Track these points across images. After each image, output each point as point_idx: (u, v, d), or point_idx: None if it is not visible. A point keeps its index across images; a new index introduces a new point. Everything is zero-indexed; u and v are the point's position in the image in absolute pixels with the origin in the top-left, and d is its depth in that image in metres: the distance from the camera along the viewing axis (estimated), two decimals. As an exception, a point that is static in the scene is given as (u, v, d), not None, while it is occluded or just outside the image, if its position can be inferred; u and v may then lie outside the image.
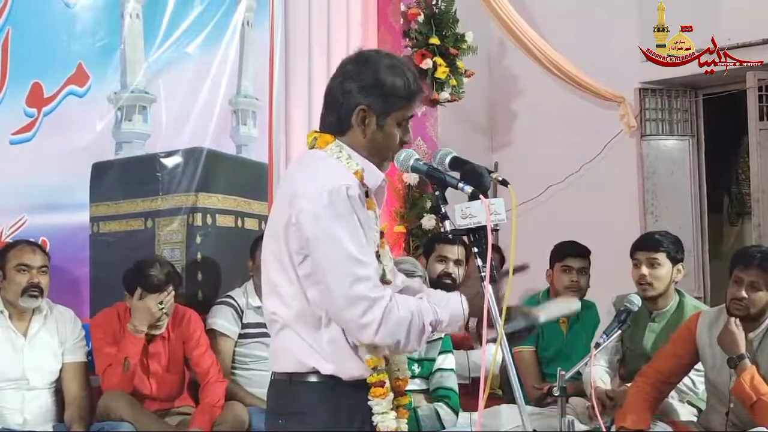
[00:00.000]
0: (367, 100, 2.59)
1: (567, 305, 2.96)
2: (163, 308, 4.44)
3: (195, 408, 4.58)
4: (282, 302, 2.60)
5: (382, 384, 2.61)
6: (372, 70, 2.61)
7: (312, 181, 2.54)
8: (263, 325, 4.84)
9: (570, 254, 5.04)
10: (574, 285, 5.03)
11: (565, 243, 5.15)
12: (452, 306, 2.55)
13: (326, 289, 2.49)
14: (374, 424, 2.61)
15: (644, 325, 4.64)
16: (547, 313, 2.69)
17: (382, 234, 2.72)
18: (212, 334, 4.78)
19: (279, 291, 2.60)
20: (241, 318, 4.86)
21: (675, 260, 4.60)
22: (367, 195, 2.58)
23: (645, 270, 4.56)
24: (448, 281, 4.70)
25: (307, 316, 2.56)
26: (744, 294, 4.05)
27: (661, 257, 4.58)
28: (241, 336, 4.85)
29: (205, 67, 5.24)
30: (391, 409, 2.64)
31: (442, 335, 4.58)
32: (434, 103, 6.18)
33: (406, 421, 2.71)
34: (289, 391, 2.61)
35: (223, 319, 4.84)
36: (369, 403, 2.61)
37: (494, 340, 2.48)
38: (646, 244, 4.64)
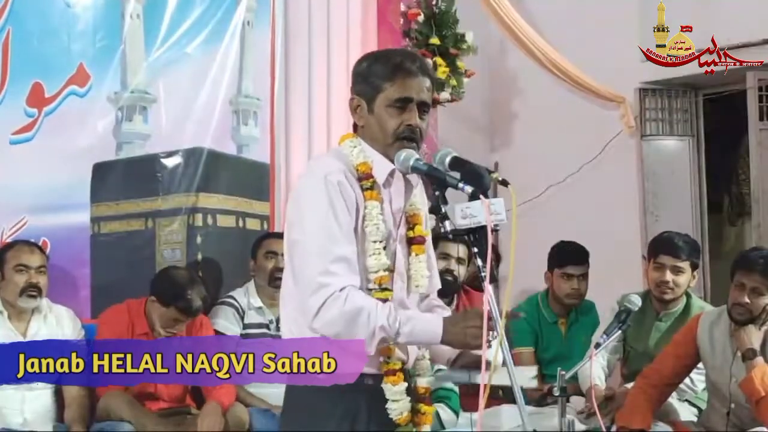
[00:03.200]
0: (355, 90, 2.73)
1: (523, 375, 2.71)
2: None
3: (196, 409, 4.59)
4: (286, 291, 2.72)
5: (393, 372, 2.65)
6: (361, 64, 2.76)
7: (304, 173, 2.77)
8: (265, 326, 4.86)
9: (570, 262, 4.99)
10: (575, 293, 5.01)
11: (565, 248, 5.08)
12: (423, 323, 2.56)
13: (295, 270, 2.63)
14: (387, 411, 2.65)
15: (650, 325, 4.65)
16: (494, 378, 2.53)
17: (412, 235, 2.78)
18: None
19: (285, 281, 2.73)
20: (242, 318, 4.87)
21: (695, 267, 4.62)
22: (372, 187, 2.65)
23: (669, 276, 4.55)
24: (449, 278, 4.69)
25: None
26: (746, 299, 4.05)
27: (686, 265, 4.58)
28: (242, 336, 4.85)
29: (206, 67, 5.25)
30: (406, 396, 2.66)
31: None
32: (434, 103, 6.17)
33: (429, 426, 2.75)
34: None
35: (224, 320, 4.84)
36: (384, 386, 2.65)
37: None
38: (673, 251, 4.58)
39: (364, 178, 2.64)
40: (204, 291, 4.60)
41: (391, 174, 2.68)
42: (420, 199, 2.81)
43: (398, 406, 2.65)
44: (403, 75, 2.65)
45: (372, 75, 2.68)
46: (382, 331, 2.52)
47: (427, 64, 2.75)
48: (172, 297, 4.46)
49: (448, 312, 2.84)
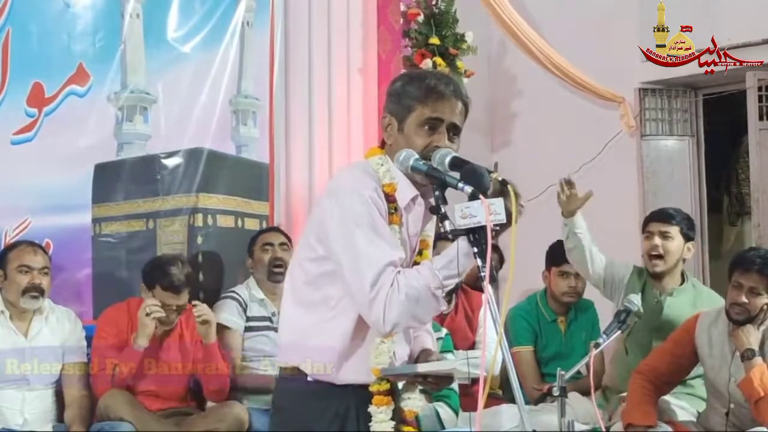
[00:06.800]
0: (388, 108, 2.74)
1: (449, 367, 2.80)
2: (178, 309, 4.50)
3: (196, 409, 4.60)
4: (293, 295, 2.71)
5: (385, 392, 2.66)
6: (395, 83, 2.77)
7: (335, 183, 2.72)
8: (267, 318, 4.87)
9: (566, 260, 5.00)
10: (572, 290, 5.02)
11: (561, 246, 5.09)
12: (455, 253, 2.55)
13: (347, 287, 2.60)
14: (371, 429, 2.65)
15: (650, 303, 4.58)
16: (429, 367, 2.68)
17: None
18: (219, 329, 4.75)
19: (294, 284, 2.71)
20: (245, 311, 4.88)
21: (687, 237, 4.63)
22: (396, 210, 2.65)
23: (657, 240, 4.58)
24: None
25: (318, 306, 2.66)
26: (744, 299, 4.06)
27: (674, 231, 4.60)
28: (246, 329, 4.86)
29: (205, 68, 5.25)
30: (391, 419, 2.67)
31: (443, 335, 4.60)
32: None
33: None
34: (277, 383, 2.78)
35: (228, 313, 4.85)
36: (370, 410, 2.66)
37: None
38: (660, 217, 4.67)
39: (389, 201, 2.66)
40: (190, 268, 4.59)
41: (414, 200, 2.69)
42: (431, 225, 2.83)
43: (380, 428, 2.66)
44: (435, 97, 2.66)
45: (405, 95, 2.69)
46: (438, 289, 2.55)
47: (461, 88, 2.75)
48: (153, 277, 4.49)
49: (432, 337, 2.94)
